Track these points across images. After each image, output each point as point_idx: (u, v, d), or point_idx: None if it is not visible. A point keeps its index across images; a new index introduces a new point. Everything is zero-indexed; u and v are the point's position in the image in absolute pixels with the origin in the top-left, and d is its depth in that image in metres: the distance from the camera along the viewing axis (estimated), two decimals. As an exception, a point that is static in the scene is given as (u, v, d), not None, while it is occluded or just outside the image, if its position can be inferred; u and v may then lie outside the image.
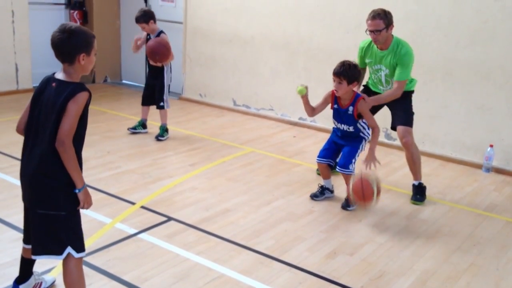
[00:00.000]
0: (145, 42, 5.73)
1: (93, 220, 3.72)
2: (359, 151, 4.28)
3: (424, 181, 4.62)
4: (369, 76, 4.69)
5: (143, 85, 6.11)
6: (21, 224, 2.67)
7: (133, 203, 4.11)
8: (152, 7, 8.22)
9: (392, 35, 4.35)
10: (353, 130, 4.25)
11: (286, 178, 4.89)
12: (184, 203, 4.18)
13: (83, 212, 2.56)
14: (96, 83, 8.53)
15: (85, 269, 3.04)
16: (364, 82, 4.77)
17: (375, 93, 4.62)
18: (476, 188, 5.00)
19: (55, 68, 2.51)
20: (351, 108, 4.18)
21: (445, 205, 4.51)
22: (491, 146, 5.38)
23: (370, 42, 4.44)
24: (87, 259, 3.19)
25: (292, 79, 6.81)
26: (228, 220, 3.93)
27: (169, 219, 3.88)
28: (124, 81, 8.82)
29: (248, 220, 3.95)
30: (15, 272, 2.80)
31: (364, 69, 4.68)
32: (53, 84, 2.41)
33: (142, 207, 4.06)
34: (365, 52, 4.51)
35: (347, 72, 4.03)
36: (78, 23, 6.55)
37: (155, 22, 5.68)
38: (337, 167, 4.29)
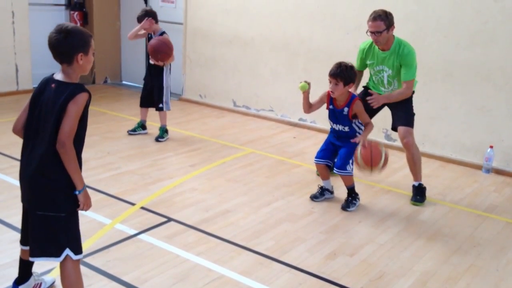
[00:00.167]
0: (146, 39, 5.73)
1: (93, 221, 3.72)
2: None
3: (424, 182, 4.62)
4: (370, 78, 4.69)
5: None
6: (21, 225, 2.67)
7: (133, 204, 4.11)
8: (152, 8, 8.20)
9: (394, 36, 4.35)
10: (348, 131, 4.25)
11: (286, 179, 4.89)
12: (184, 204, 4.18)
13: (82, 213, 2.56)
14: (96, 84, 8.54)
15: (85, 269, 3.05)
16: (364, 83, 4.77)
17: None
18: (476, 189, 5.00)
19: (55, 69, 2.51)
20: (346, 109, 4.18)
21: (445, 206, 4.51)
22: (491, 147, 5.38)
23: (371, 43, 4.44)
24: (87, 259, 3.19)
25: (292, 80, 6.80)
26: (228, 221, 3.93)
27: (169, 220, 3.88)
28: (124, 82, 8.82)
29: (248, 221, 3.95)
30: (14, 273, 2.80)
31: (361, 72, 4.67)
32: (53, 85, 2.40)
33: (142, 208, 4.06)
34: (366, 53, 4.50)
35: (343, 74, 4.03)
36: (79, 24, 6.56)
37: (157, 22, 5.69)
38: (334, 168, 4.29)
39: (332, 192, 4.47)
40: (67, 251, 2.46)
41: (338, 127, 4.28)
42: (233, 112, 7.33)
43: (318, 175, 4.81)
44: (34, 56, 7.45)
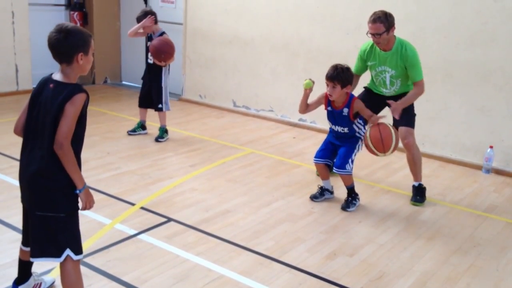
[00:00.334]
0: (146, 39, 5.74)
1: (93, 221, 3.72)
2: (355, 151, 4.29)
3: (424, 182, 4.62)
4: (371, 79, 4.67)
5: (142, 86, 6.11)
6: (20, 225, 2.67)
7: (133, 204, 4.11)
8: (152, 8, 8.21)
9: (395, 36, 4.34)
10: (348, 131, 4.25)
11: (286, 179, 4.89)
12: (184, 204, 4.18)
13: (82, 212, 2.56)
14: (96, 84, 8.54)
15: (85, 270, 3.05)
16: (364, 84, 4.76)
17: (377, 95, 4.62)
18: (476, 189, 5.00)
19: (55, 69, 2.50)
20: (346, 110, 4.18)
21: (445, 206, 4.51)
22: (491, 147, 5.38)
23: (372, 44, 4.42)
24: (87, 259, 3.19)
25: (292, 81, 6.81)
26: (228, 221, 3.93)
27: (169, 220, 3.88)
28: (124, 82, 8.82)
29: (248, 221, 3.95)
30: (14, 273, 2.80)
31: (358, 77, 4.65)
32: (51, 86, 2.39)
33: (142, 208, 4.06)
34: (367, 54, 4.48)
35: (340, 76, 4.03)
36: (78, 24, 6.55)
37: (156, 22, 5.69)
38: (334, 168, 4.29)
39: (332, 192, 4.47)
40: (68, 252, 2.45)
41: (337, 128, 4.28)
42: (233, 112, 7.33)
43: (318, 175, 4.81)
44: (34, 56, 7.45)
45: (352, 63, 4.43)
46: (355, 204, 4.30)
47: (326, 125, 5.84)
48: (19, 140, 2.57)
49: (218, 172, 4.95)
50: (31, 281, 2.79)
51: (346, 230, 3.93)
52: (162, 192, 4.40)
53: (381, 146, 4.06)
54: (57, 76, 2.42)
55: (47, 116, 2.35)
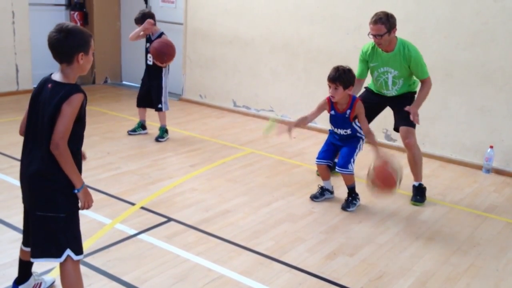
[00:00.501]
0: (144, 36, 5.74)
1: (93, 221, 3.72)
2: (357, 150, 4.29)
3: (424, 182, 4.62)
4: (371, 80, 4.67)
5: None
6: (21, 225, 2.67)
7: (133, 204, 4.11)
8: (153, 8, 8.23)
9: (396, 37, 4.34)
10: (350, 132, 4.26)
11: (286, 179, 4.89)
12: (184, 204, 4.18)
13: (82, 212, 2.56)
14: (96, 84, 8.54)
15: (85, 269, 3.05)
16: (365, 84, 4.77)
17: (378, 95, 4.62)
18: (476, 189, 5.00)
19: (56, 69, 2.50)
20: (348, 112, 4.18)
21: (445, 206, 4.52)
22: (491, 147, 5.38)
23: (374, 46, 4.42)
24: (87, 259, 3.19)
25: (292, 81, 6.82)
26: (228, 221, 3.93)
27: (169, 220, 3.88)
28: (124, 82, 8.83)
29: (248, 221, 3.95)
30: (14, 272, 2.80)
31: (361, 81, 4.62)
32: (49, 86, 2.39)
33: (142, 208, 4.06)
34: (369, 56, 4.47)
35: (342, 77, 4.03)
36: (79, 24, 6.56)
37: (155, 24, 5.69)
38: (336, 167, 4.30)
39: (332, 192, 4.47)
40: (68, 252, 2.45)
41: (340, 131, 4.28)
42: (233, 112, 7.34)
43: (318, 175, 4.81)
44: (34, 56, 7.46)
45: (352, 63, 4.42)
46: (355, 204, 4.30)
47: (326, 125, 5.85)
48: (19, 140, 2.58)
49: (218, 172, 4.95)
50: (31, 281, 2.79)
51: (346, 230, 3.93)
52: (162, 192, 4.40)
53: (388, 188, 3.95)
54: (57, 76, 2.42)
55: (45, 117, 2.35)
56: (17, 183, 2.54)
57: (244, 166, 5.16)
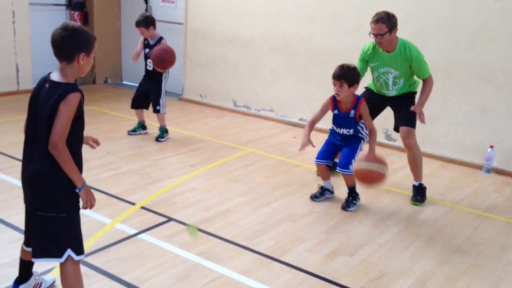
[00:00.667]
0: (143, 46, 5.75)
1: (93, 221, 3.72)
2: (358, 151, 4.29)
3: (424, 182, 4.62)
4: (372, 79, 4.67)
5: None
6: (21, 225, 2.68)
7: (133, 204, 4.11)
8: (153, 8, 8.24)
9: (397, 37, 4.34)
10: (352, 133, 4.26)
11: (286, 179, 4.89)
12: (184, 204, 4.18)
13: (82, 212, 2.56)
14: (96, 84, 8.54)
15: (85, 269, 3.05)
16: (365, 84, 4.76)
17: (378, 95, 4.62)
18: (476, 189, 5.00)
19: (55, 69, 2.51)
20: (352, 112, 4.18)
21: (445, 206, 4.52)
22: (491, 147, 5.39)
23: (375, 46, 4.41)
24: (87, 259, 3.19)
25: (292, 81, 6.82)
26: (228, 220, 3.93)
27: (169, 219, 3.88)
28: (124, 82, 8.83)
29: (248, 221, 3.95)
30: (15, 272, 2.81)
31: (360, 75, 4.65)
32: (47, 85, 2.38)
33: (142, 207, 4.06)
34: (370, 56, 4.47)
35: (347, 75, 4.03)
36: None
37: (155, 28, 5.69)
38: (337, 167, 4.30)
39: (332, 192, 4.47)
40: (69, 252, 2.45)
41: (342, 130, 4.28)
42: (234, 112, 7.34)
43: (318, 175, 4.81)
44: (35, 56, 7.46)
45: (352, 63, 4.43)
46: (355, 204, 4.31)
47: (326, 125, 5.85)
48: (19, 140, 2.58)
49: (218, 172, 4.95)
50: (32, 281, 2.79)
51: (346, 230, 3.93)
52: (163, 191, 4.41)
53: (374, 183, 4.00)
54: (55, 76, 2.41)
55: (43, 117, 2.35)
56: (17, 183, 2.54)
57: (244, 166, 5.16)
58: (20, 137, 2.54)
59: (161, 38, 5.67)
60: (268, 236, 3.73)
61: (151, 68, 5.70)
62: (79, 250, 2.51)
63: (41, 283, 2.85)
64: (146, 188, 4.45)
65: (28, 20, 7.38)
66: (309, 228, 3.92)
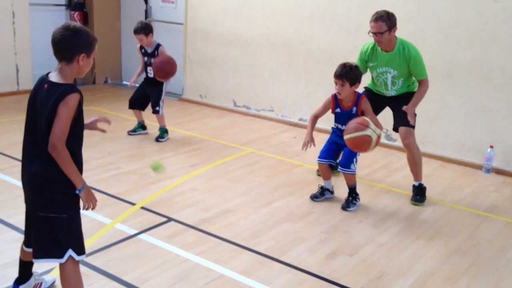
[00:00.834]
0: (140, 53, 5.77)
1: (94, 221, 3.72)
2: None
3: (424, 182, 4.62)
4: (371, 79, 4.68)
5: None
6: (21, 225, 2.67)
7: (133, 204, 4.11)
8: (153, 8, 8.25)
9: (396, 37, 4.35)
10: None
11: (286, 179, 4.89)
12: (184, 204, 4.18)
13: (82, 212, 2.56)
14: (96, 84, 8.54)
15: (85, 269, 3.06)
16: (364, 84, 4.76)
17: (378, 95, 4.62)
18: (476, 189, 5.00)
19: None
20: (354, 109, 4.19)
21: (445, 206, 4.52)
22: (491, 147, 5.39)
23: (374, 45, 4.43)
24: (87, 259, 3.19)
25: (292, 81, 6.82)
26: (228, 220, 3.94)
27: (169, 219, 3.89)
28: (124, 82, 8.83)
29: (248, 221, 3.95)
30: (15, 272, 2.80)
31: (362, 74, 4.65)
32: (45, 86, 2.37)
33: (142, 207, 4.06)
34: (368, 55, 4.48)
35: (349, 74, 4.04)
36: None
37: (152, 35, 5.71)
38: (339, 167, 4.30)
39: (332, 192, 4.47)
40: (70, 252, 2.45)
41: (345, 127, 4.27)
42: (234, 112, 7.34)
43: (318, 175, 4.81)
44: (35, 57, 7.46)
45: (353, 62, 4.43)
46: (355, 204, 4.31)
47: (326, 125, 5.86)
48: (19, 140, 2.57)
49: (218, 172, 4.96)
50: (32, 281, 2.79)
51: (346, 230, 3.93)
52: (163, 192, 4.41)
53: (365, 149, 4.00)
54: (53, 76, 2.40)
55: (42, 118, 2.34)
56: (17, 183, 2.54)
57: (244, 166, 5.16)
58: (21, 138, 2.54)
59: (158, 45, 5.69)
60: (268, 236, 3.73)
61: (152, 76, 5.71)
62: (80, 250, 2.51)
63: (41, 283, 2.85)
64: (146, 188, 4.45)
65: (28, 21, 7.39)
66: (309, 228, 3.92)
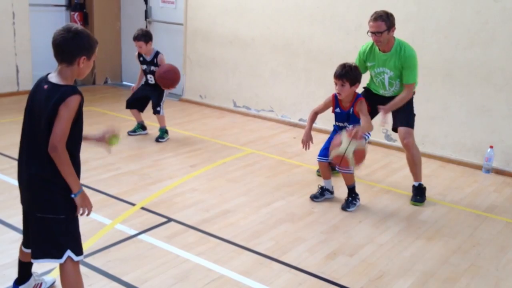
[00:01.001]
0: (139, 61, 5.77)
1: (93, 221, 3.72)
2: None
3: (424, 182, 4.62)
4: (370, 79, 4.68)
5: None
6: (21, 226, 2.67)
7: (133, 204, 4.11)
8: (153, 8, 8.25)
9: (394, 37, 4.35)
10: None
11: (286, 179, 4.89)
12: (184, 204, 4.18)
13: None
14: (96, 84, 8.55)
15: (85, 269, 3.06)
16: (364, 84, 4.77)
17: (377, 96, 4.62)
18: (476, 189, 5.00)
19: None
20: (351, 109, 4.19)
21: (445, 206, 4.52)
22: (491, 147, 5.39)
23: (372, 46, 4.43)
24: (87, 260, 3.19)
25: (292, 81, 6.82)
26: (228, 221, 3.93)
27: (169, 220, 3.89)
28: (124, 82, 8.83)
29: (248, 221, 3.95)
30: (15, 273, 2.81)
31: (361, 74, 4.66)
32: (45, 87, 2.37)
33: (142, 208, 4.06)
34: (367, 55, 4.49)
35: (349, 74, 4.04)
36: (79, 25, 6.56)
37: (152, 43, 5.72)
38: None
39: (332, 192, 4.47)
40: (68, 253, 2.45)
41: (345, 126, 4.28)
42: (233, 113, 7.34)
43: (318, 175, 4.81)
44: (35, 57, 7.46)
45: (353, 62, 4.43)
46: (355, 204, 4.30)
47: (326, 125, 5.86)
48: (19, 141, 2.57)
49: (218, 172, 4.96)
50: (32, 281, 2.79)
51: (346, 230, 3.93)
52: (163, 192, 4.41)
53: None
54: (53, 77, 2.40)
55: (41, 118, 2.34)
56: (17, 183, 2.53)
57: (244, 166, 5.16)
58: (20, 138, 2.54)
59: (157, 53, 5.71)
60: (268, 236, 3.73)
61: (153, 82, 5.72)
62: (79, 251, 2.50)
63: (41, 283, 2.85)
64: (146, 188, 4.45)
65: (28, 21, 7.39)
66: (309, 228, 3.92)
